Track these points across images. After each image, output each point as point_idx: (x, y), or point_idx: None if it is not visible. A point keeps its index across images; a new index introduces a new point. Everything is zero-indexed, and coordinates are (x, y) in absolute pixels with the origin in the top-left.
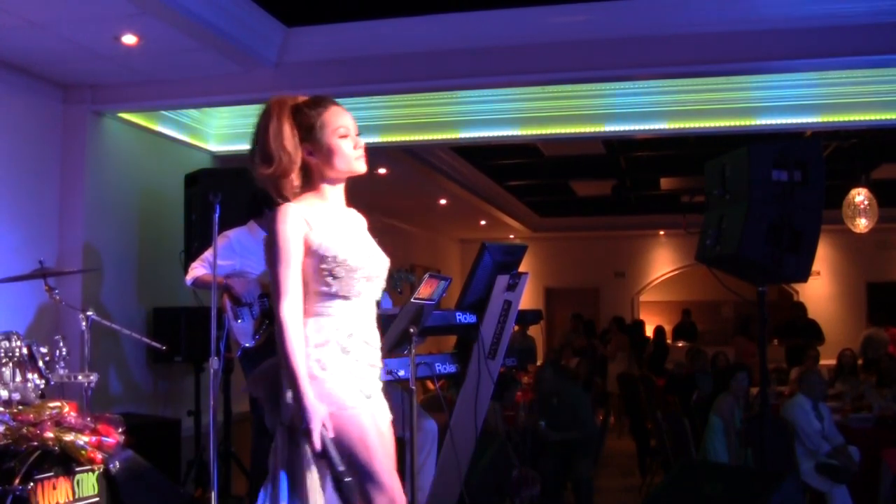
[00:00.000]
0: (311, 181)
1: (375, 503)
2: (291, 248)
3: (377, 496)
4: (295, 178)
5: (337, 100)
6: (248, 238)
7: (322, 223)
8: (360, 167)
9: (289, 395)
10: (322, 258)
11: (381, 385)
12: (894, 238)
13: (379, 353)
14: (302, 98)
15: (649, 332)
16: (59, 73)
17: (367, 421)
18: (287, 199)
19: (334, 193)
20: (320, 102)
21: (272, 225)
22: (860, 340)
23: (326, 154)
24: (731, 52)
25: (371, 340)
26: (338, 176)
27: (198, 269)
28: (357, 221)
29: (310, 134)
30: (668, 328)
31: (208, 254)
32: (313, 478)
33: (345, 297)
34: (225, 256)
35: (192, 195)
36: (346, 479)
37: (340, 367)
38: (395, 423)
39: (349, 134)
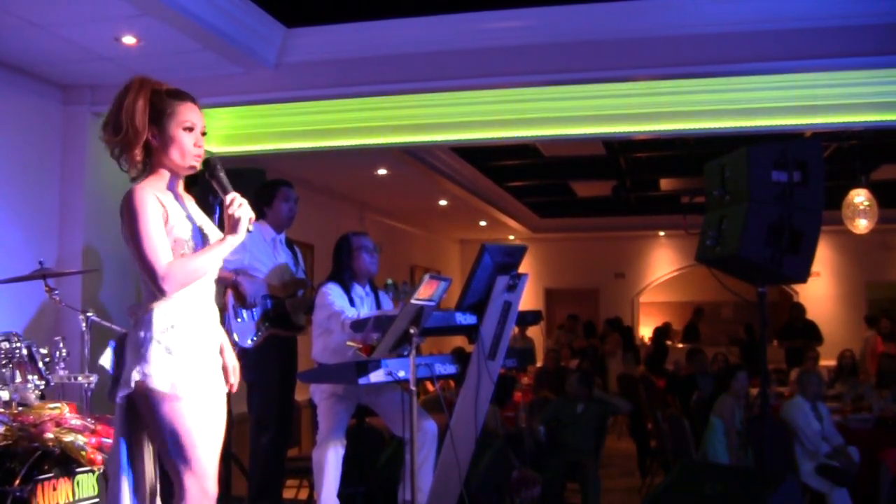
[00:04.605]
0: (152, 165)
1: (188, 487)
2: (154, 225)
3: (191, 481)
4: (138, 154)
5: (336, 100)
6: (259, 235)
7: (172, 208)
8: (195, 164)
9: (134, 371)
10: (176, 242)
11: (220, 363)
12: (894, 239)
13: (219, 331)
14: (166, 86)
15: (644, 332)
16: (58, 73)
17: (199, 412)
18: (129, 172)
19: (175, 182)
20: (178, 95)
21: (131, 205)
22: (861, 345)
23: (167, 141)
24: (730, 53)
25: (212, 321)
26: (174, 166)
27: None
28: (194, 205)
29: (158, 118)
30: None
31: None
32: (148, 444)
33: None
34: (235, 251)
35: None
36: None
37: (187, 350)
38: (394, 423)
39: (194, 130)
